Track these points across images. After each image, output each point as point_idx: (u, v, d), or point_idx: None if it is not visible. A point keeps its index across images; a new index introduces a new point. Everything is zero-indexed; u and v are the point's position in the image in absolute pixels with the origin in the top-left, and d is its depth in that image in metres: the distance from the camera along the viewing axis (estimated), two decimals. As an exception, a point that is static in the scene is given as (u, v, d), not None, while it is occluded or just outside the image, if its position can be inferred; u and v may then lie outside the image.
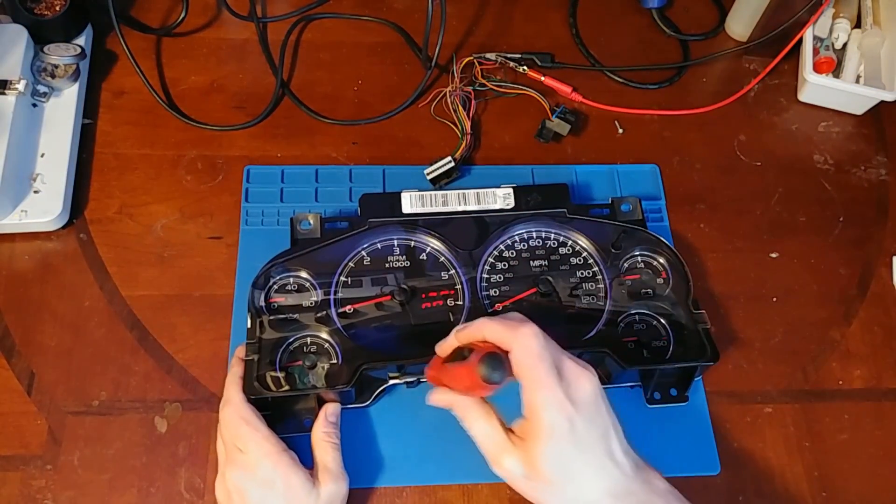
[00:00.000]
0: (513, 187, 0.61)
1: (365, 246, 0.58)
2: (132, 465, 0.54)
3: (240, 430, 0.49)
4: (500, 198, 0.61)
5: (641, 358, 0.55)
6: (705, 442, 0.58)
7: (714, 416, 0.59)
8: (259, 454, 0.49)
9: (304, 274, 0.56)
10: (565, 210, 0.60)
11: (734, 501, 0.57)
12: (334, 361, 0.53)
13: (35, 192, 0.61)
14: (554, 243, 0.59)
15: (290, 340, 0.53)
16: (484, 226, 0.59)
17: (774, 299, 0.65)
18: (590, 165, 0.69)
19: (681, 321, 0.56)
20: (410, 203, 0.60)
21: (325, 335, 0.54)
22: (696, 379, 0.58)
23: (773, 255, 0.67)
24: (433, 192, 0.60)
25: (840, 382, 0.62)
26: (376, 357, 0.52)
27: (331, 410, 0.53)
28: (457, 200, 0.60)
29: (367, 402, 0.56)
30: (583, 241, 0.59)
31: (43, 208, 0.60)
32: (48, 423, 0.55)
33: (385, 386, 0.56)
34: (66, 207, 0.61)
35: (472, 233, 0.59)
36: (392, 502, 0.55)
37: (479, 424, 0.45)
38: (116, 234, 0.63)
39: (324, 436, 0.52)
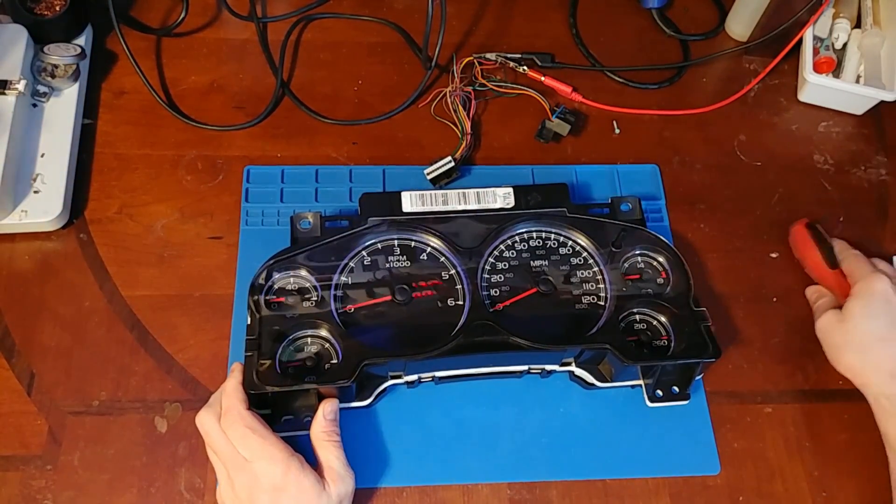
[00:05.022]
0: (513, 187, 0.61)
1: (365, 245, 0.58)
2: (132, 465, 0.54)
3: (247, 439, 0.49)
4: (501, 197, 0.61)
5: (642, 353, 0.55)
6: (705, 442, 0.58)
7: (714, 416, 0.59)
8: (268, 462, 0.48)
9: (304, 272, 0.56)
10: (565, 209, 0.60)
11: (734, 501, 0.57)
12: (335, 361, 0.53)
13: (35, 192, 0.61)
14: (554, 243, 0.59)
15: (290, 338, 0.53)
16: (484, 225, 0.59)
17: (774, 299, 0.65)
18: (590, 165, 0.69)
19: (682, 319, 0.56)
20: (411, 202, 0.60)
21: (325, 333, 0.54)
22: (697, 378, 0.58)
23: (773, 255, 0.67)
24: (433, 192, 0.60)
25: (840, 382, 0.62)
26: (378, 353, 0.52)
27: (329, 408, 0.53)
28: (457, 200, 0.60)
29: (368, 402, 0.56)
30: (583, 241, 0.59)
31: (43, 208, 0.60)
32: (48, 423, 0.55)
33: (385, 385, 0.56)
34: (66, 207, 0.61)
35: (472, 232, 0.59)
36: (392, 502, 0.55)
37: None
38: (116, 234, 0.63)
39: (324, 435, 0.52)
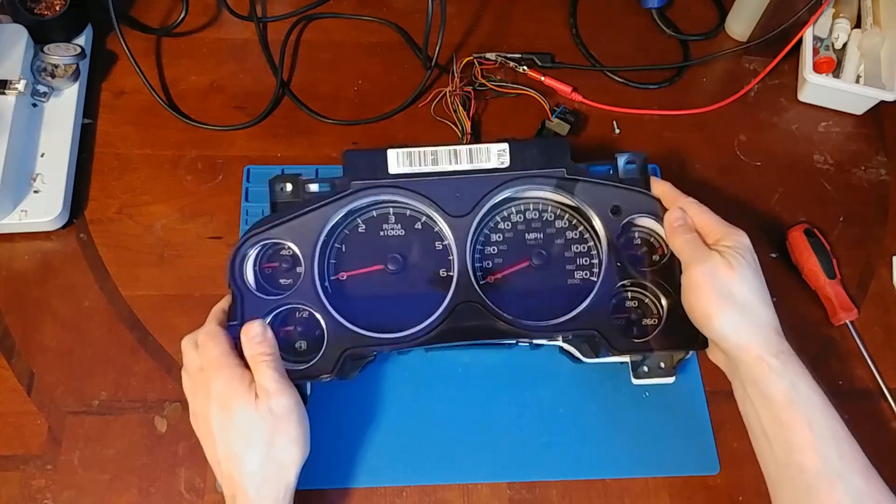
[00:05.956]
0: (508, 142, 0.56)
1: (349, 211, 0.55)
2: (132, 465, 0.54)
3: (206, 347, 0.49)
4: (495, 155, 0.56)
5: (631, 343, 0.54)
6: (705, 442, 0.58)
7: (714, 416, 0.59)
8: (212, 367, 0.48)
9: (284, 242, 0.53)
10: (564, 169, 0.56)
11: (734, 501, 0.57)
12: (318, 354, 0.51)
13: (35, 192, 0.61)
14: (550, 216, 0.57)
15: (275, 313, 0.52)
16: (477, 187, 0.55)
17: (774, 299, 0.65)
18: (590, 165, 0.69)
19: (676, 302, 0.54)
20: (398, 161, 0.55)
21: (309, 307, 0.52)
22: (686, 358, 0.57)
23: (773, 256, 0.67)
24: (422, 150, 0.55)
25: (840, 382, 0.62)
26: (362, 342, 0.51)
27: (252, 332, 0.49)
28: (447, 159, 0.55)
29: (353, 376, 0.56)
30: (580, 214, 0.57)
31: (43, 208, 0.60)
32: (48, 423, 0.55)
33: (371, 360, 0.56)
34: (66, 207, 0.61)
35: (464, 195, 0.55)
36: (392, 502, 0.55)
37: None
38: (116, 234, 0.63)
39: (252, 358, 0.49)
